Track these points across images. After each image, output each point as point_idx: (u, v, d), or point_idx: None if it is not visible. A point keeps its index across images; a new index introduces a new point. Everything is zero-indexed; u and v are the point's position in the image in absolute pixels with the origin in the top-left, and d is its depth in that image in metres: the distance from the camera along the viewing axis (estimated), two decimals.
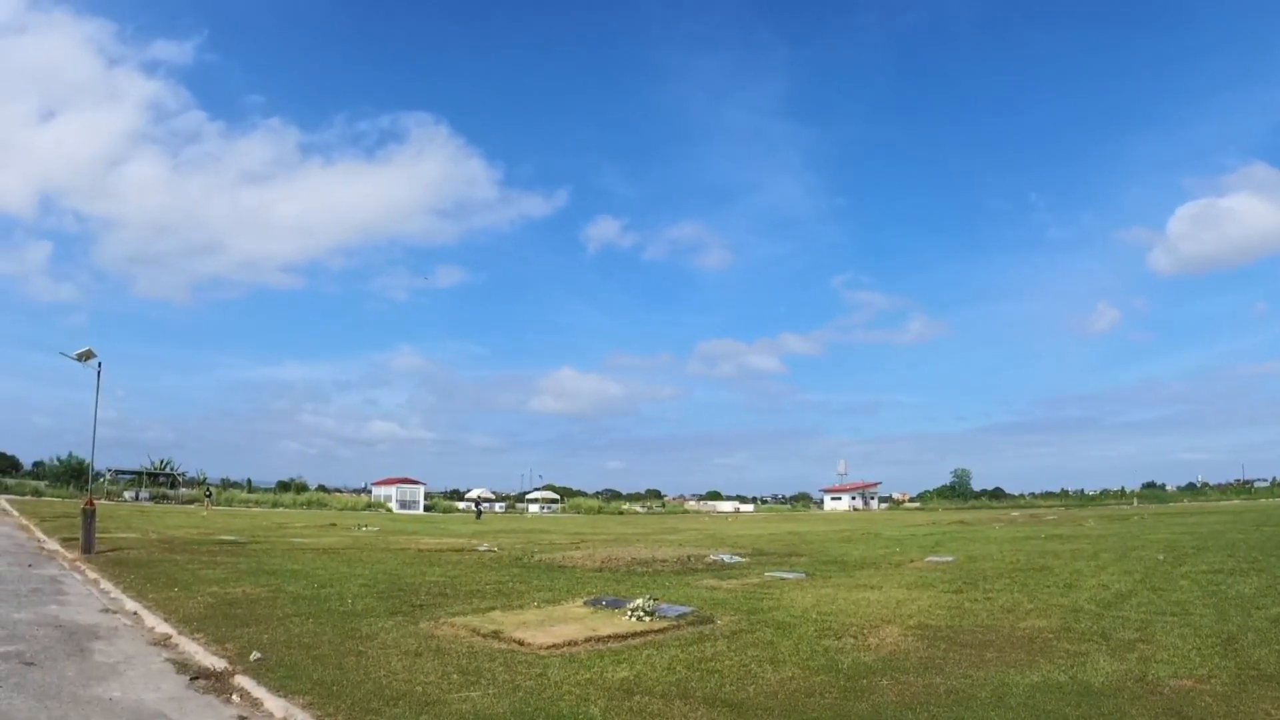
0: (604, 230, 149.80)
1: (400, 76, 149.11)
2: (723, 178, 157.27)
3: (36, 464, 74.16)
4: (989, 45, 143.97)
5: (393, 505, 71.99)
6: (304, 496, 72.17)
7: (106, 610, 10.65)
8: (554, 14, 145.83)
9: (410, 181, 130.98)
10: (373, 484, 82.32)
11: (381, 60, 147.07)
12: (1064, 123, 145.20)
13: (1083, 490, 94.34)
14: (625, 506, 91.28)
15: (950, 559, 19.00)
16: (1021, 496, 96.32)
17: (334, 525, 36.55)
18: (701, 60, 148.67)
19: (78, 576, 14.04)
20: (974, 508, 76.32)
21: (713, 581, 14.89)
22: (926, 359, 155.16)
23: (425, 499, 76.84)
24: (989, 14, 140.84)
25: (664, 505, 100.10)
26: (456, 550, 22.77)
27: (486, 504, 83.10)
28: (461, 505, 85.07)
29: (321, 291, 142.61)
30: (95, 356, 19.87)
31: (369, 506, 70.10)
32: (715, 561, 19.06)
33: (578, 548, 23.96)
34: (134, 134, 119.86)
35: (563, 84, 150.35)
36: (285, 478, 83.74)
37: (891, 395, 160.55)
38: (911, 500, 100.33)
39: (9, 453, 78.60)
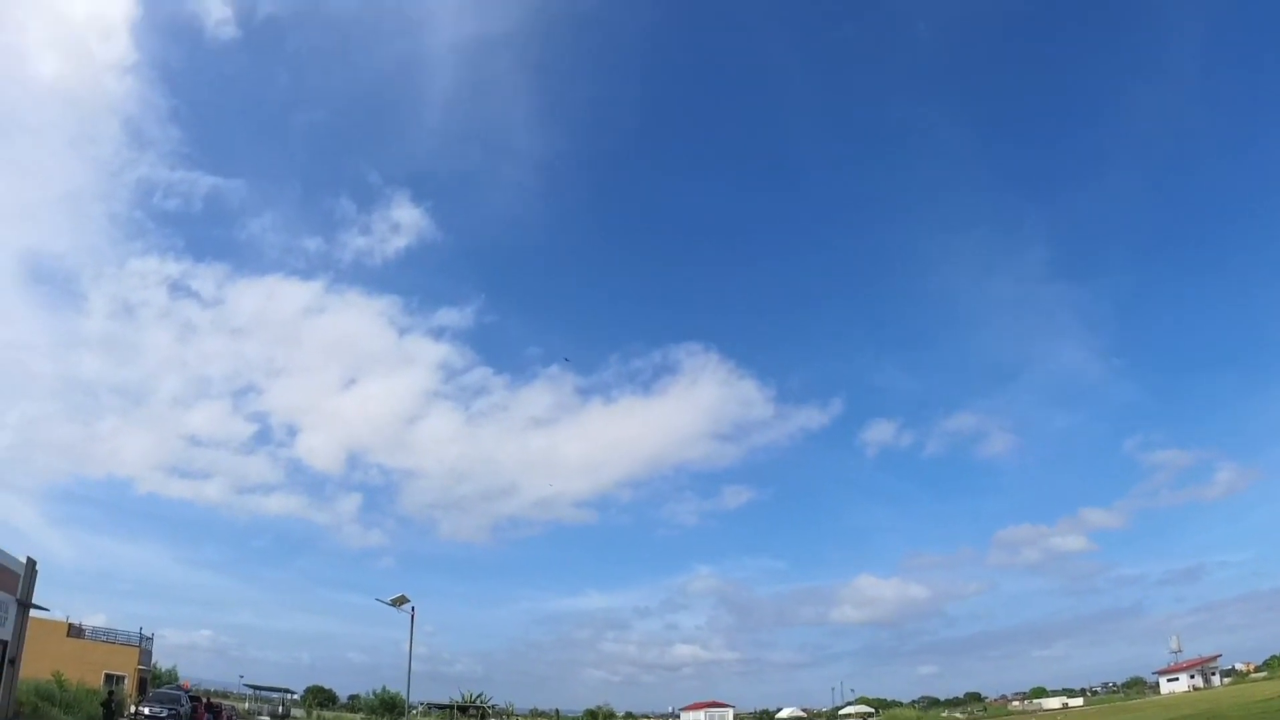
0: (880, 433, 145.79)
1: (667, 311, 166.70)
2: (997, 355, 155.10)
3: (352, 697, 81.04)
4: (1236, 151, 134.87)
5: None
6: None
7: None
8: (804, 224, 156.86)
9: (688, 410, 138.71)
10: (680, 709, 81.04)
11: (647, 299, 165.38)
12: None
13: None
14: (944, 714, 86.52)
15: None
16: None
17: None
18: (958, 241, 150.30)
19: None
20: None
21: None
22: (1244, 510, 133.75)
23: None
24: (1231, 121, 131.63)
25: (985, 708, 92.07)
26: None
27: None
28: None
29: (613, 523, 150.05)
30: (408, 601, 21.44)
31: None
32: None
33: None
34: (428, 393, 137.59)
35: (823, 292, 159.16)
36: (592, 705, 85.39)
37: (1213, 556, 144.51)
38: (1258, 670, 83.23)
39: (327, 686, 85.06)
